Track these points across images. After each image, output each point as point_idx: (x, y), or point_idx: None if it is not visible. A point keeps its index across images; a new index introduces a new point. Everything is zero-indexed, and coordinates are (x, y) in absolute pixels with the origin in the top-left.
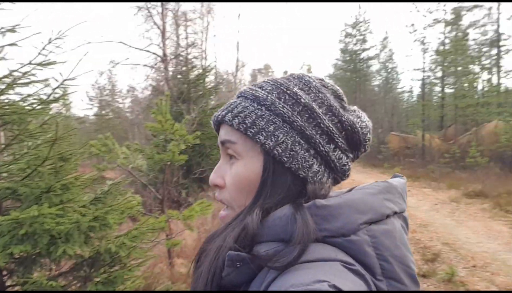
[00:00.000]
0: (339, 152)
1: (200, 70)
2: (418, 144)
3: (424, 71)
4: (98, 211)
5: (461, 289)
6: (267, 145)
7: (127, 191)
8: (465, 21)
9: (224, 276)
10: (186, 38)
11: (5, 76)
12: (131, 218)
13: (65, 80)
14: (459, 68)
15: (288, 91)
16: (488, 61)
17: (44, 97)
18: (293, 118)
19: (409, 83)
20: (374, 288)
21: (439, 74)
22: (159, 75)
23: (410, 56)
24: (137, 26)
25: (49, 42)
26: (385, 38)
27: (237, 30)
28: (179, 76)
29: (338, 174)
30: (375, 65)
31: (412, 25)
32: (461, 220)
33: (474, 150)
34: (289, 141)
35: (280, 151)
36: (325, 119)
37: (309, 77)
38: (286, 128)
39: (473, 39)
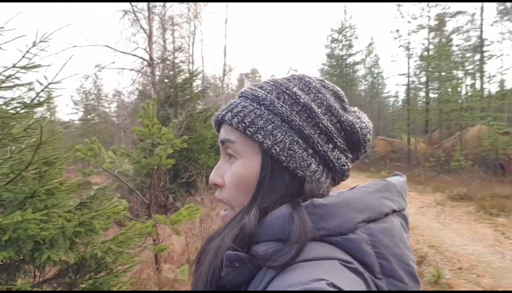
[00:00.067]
0: (338, 152)
1: (187, 75)
2: (404, 149)
3: (409, 76)
4: (84, 216)
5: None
6: (265, 144)
7: (114, 195)
8: (449, 27)
9: (223, 276)
10: (173, 42)
11: None
12: (117, 223)
13: (50, 83)
14: (443, 73)
15: (288, 91)
16: (471, 66)
17: (28, 101)
18: (292, 117)
19: (394, 88)
20: (373, 287)
21: (424, 79)
22: (145, 80)
23: (395, 61)
24: (124, 30)
25: (34, 45)
26: (370, 44)
27: (224, 34)
28: (166, 80)
29: (337, 174)
30: (361, 70)
31: (397, 31)
32: (447, 222)
33: (458, 153)
34: (287, 141)
35: (278, 149)
36: (323, 119)
37: (309, 78)
38: (284, 128)
39: (457, 45)
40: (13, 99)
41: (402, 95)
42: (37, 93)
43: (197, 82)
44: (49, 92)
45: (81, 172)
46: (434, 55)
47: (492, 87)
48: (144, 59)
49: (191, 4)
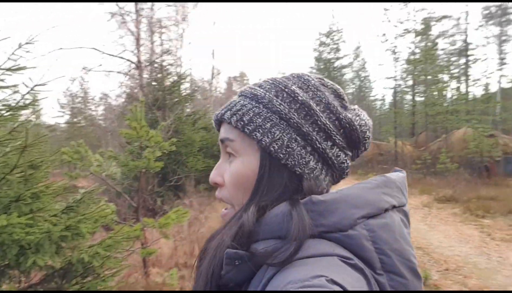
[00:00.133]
0: (337, 149)
1: (175, 77)
2: (391, 151)
3: (395, 80)
4: (70, 220)
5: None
6: (263, 142)
7: (101, 199)
8: (435, 31)
9: (224, 275)
10: (161, 45)
11: None
12: (104, 227)
13: (36, 86)
14: (429, 77)
15: (286, 89)
16: (456, 70)
17: (13, 103)
18: (290, 115)
19: (381, 91)
20: (373, 282)
21: (410, 82)
22: (133, 82)
23: (382, 65)
24: (111, 32)
25: (19, 47)
26: (358, 48)
27: (212, 37)
28: (154, 83)
29: (336, 171)
30: (348, 74)
31: (384, 35)
32: (433, 224)
33: (444, 156)
34: (286, 138)
35: (277, 147)
36: (322, 117)
37: (308, 76)
38: (283, 126)
39: (442, 49)
40: None
41: (389, 99)
42: (23, 96)
43: (185, 85)
44: (35, 95)
45: (67, 175)
46: (420, 59)
47: (477, 91)
48: (132, 62)
49: (179, 7)
